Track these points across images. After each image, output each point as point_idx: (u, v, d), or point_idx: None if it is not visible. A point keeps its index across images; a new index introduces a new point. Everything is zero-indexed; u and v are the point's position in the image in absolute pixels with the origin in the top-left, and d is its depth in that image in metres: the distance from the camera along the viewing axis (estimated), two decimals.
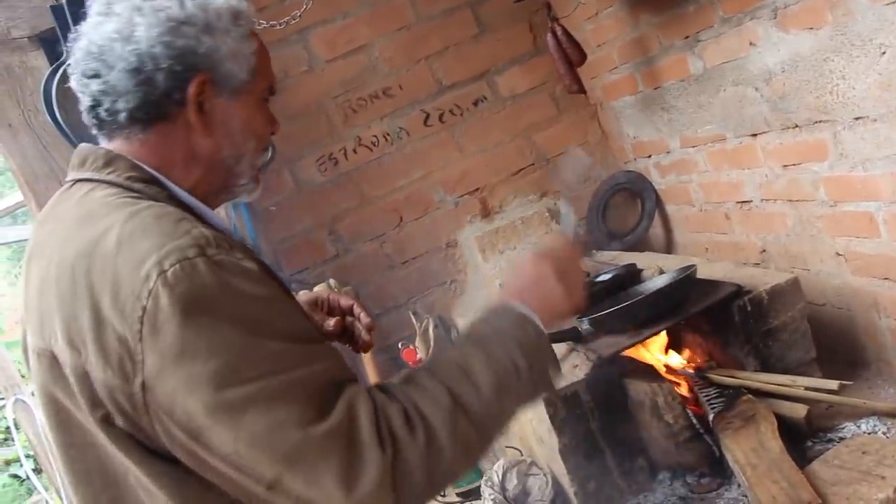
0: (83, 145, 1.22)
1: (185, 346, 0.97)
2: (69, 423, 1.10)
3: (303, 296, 1.54)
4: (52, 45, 2.65)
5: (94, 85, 1.15)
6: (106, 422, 1.03)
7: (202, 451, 1.00)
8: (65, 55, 2.57)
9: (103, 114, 1.17)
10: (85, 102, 1.19)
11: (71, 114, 2.51)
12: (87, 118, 1.21)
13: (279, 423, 0.98)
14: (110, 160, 1.16)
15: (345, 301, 1.53)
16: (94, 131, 1.22)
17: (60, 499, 5.22)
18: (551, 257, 1.29)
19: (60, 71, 2.52)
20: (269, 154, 1.48)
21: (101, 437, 1.05)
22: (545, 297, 1.25)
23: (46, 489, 5.60)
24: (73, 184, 1.19)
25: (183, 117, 1.16)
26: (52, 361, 1.07)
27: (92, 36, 1.14)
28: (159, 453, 1.04)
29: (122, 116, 1.15)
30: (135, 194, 1.13)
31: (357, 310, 1.50)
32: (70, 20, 2.52)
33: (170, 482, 1.05)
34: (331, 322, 1.47)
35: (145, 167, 1.17)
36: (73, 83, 1.20)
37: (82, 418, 1.07)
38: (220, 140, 1.20)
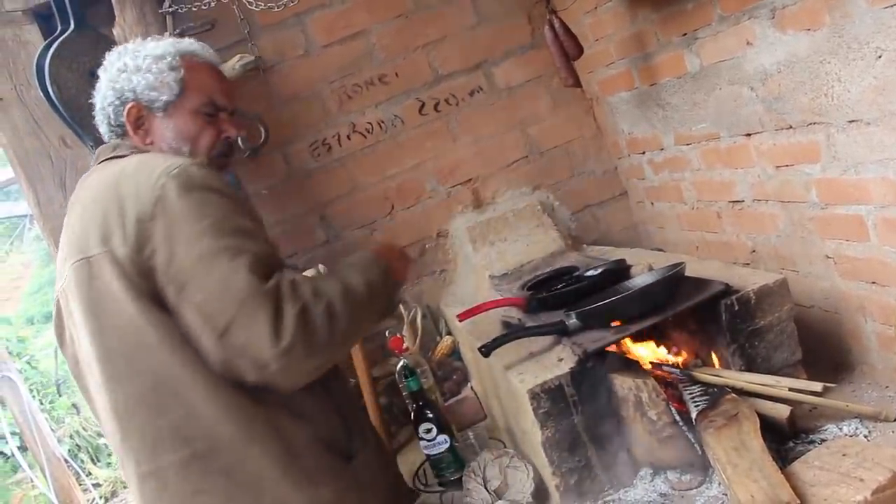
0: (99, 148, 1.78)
1: (183, 211, 1.44)
2: (101, 310, 1.47)
3: None
4: (47, 19, 2.64)
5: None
6: (131, 291, 1.44)
7: (184, 305, 1.43)
8: (59, 30, 2.55)
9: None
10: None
11: (63, 90, 2.48)
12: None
13: (238, 268, 1.41)
14: (116, 146, 1.73)
15: None
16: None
17: (45, 477, 5.22)
18: (394, 248, 1.97)
19: (54, 46, 2.49)
20: (238, 144, 1.81)
21: (129, 307, 1.44)
22: (392, 260, 1.81)
23: (31, 467, 5.59)
24: (92, 173, 1.70)
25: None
26: (87, 265, 1.47)
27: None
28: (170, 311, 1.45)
29: (105, 137, 1.79)
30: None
31: None
32: None
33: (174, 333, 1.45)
34: None
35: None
36: None
37: (111, 301, 1.45)
38: (160, 144, 1.74)
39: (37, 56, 2.52)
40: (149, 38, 1.81)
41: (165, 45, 1.76)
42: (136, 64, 1.72)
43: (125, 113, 1.71)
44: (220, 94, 1.80)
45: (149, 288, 1.44)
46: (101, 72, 1.77)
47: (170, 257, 1.42)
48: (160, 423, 1.46)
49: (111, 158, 1.69)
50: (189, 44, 1.82)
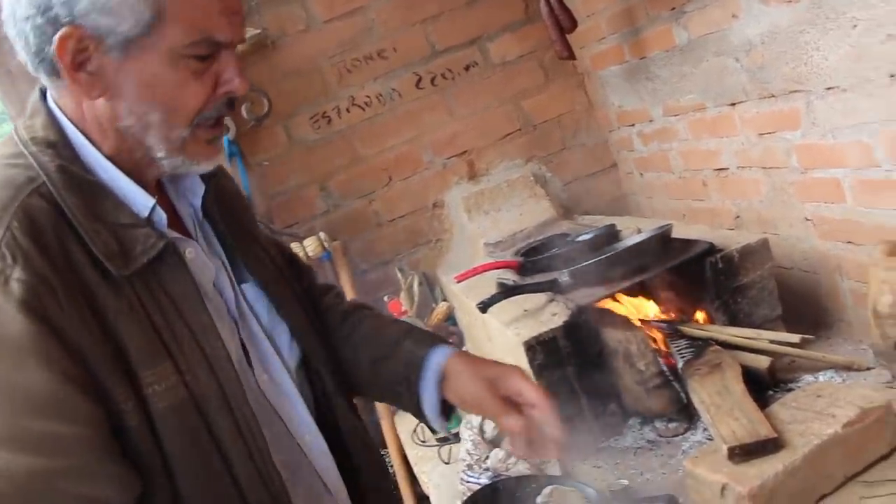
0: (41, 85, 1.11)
1: None
2: None
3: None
4: None
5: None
6: None
7: None
8: None
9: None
10: None
11: None
12: None
13: None
14: (35, 111, 1.08)
15: (529, 394, 1.25)
16: None
17: None
18: None
19: None
20: (210, 123, 1.09)
21: None
22: None
23: None
24: None
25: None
26: None
27: None
28: None
29: (29, 67, 1.04)
30: (22, 160, 1.02)
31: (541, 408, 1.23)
32: None
33: None
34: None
35: (63, 121, 1.07)
36: None
37: None
38: (116, 106, 1.03)
39: None
40: None
41: None
42: None
43: (55, 43, 0.97)
44: (223, 21, 1.02)
45: None
46: None
47: None
48: None
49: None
50: None
